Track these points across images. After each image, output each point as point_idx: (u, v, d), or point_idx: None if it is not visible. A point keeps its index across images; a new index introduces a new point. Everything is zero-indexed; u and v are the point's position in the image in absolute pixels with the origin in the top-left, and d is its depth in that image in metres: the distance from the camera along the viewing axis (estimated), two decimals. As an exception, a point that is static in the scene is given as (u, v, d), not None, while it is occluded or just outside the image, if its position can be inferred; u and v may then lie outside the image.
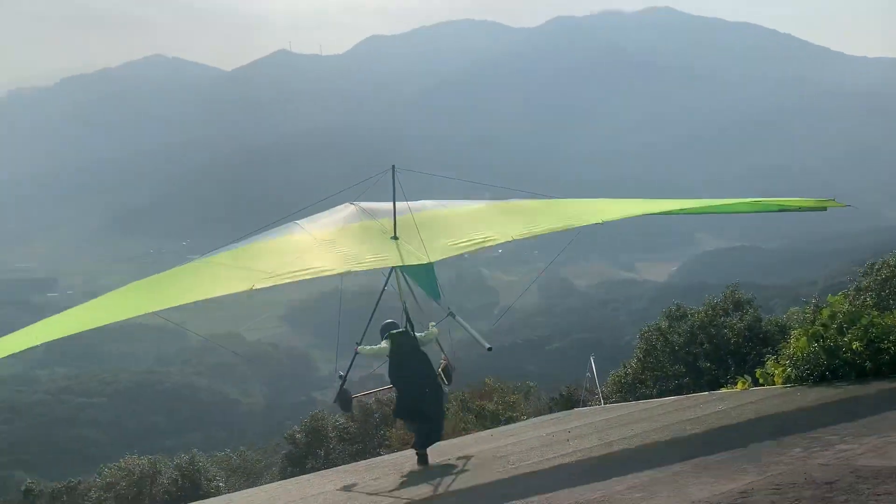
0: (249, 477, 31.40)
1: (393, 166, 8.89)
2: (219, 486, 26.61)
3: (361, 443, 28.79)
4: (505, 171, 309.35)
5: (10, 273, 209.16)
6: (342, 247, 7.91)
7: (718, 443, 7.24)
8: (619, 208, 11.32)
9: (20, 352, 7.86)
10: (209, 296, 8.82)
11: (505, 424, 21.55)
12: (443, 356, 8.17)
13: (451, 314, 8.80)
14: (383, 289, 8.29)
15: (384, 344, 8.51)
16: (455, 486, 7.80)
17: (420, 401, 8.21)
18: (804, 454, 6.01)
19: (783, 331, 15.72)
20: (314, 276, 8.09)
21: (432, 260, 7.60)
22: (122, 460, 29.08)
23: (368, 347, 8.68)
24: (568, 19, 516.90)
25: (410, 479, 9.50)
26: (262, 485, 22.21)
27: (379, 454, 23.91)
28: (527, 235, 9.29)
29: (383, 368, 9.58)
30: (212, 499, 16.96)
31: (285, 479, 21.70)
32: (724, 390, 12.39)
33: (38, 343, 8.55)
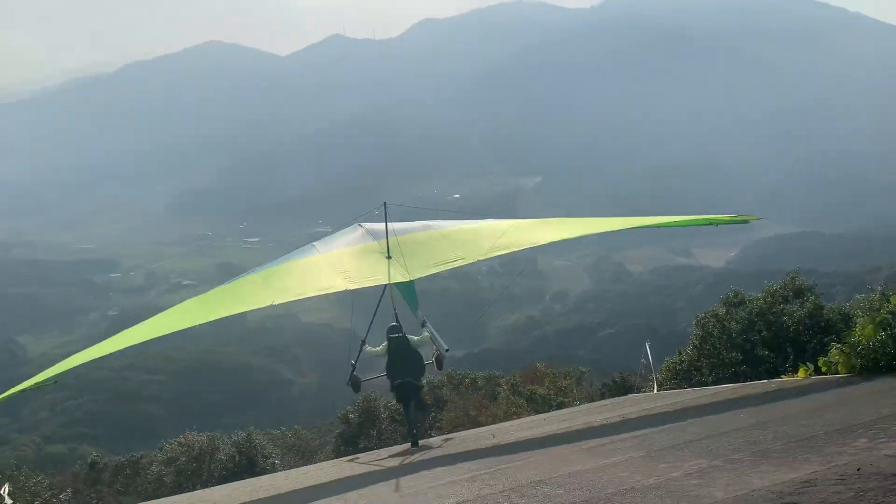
0: (304, 455, 32.04)
1: (384, 203, 10.33)
2: (274, 463, 27.21)
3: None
4: (558, 157, 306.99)
5: (75, 255, 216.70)
6: (346, 266, 9.48)
7: (779, 431, 7.07)
8: (566, 229, 12.47)
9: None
10: (243, 310, 10.72)
11: (556, 409, 21.48)
12: (435, 349, 9.97)
13: (423, 323, 10.41)
14: (380, 300, 10.02)
15: (384, 345, 10.20)
16: (507, 470, 7.81)
17: (400, 389, 9.89)
18: (869, 444, 5.82)
19: (846, 319, 15.24)
20: (319, 293, 10.02)
21: (413, 278, 9.03)
22: (182, 436, 29.99)
23: (371, 348, 10.54)
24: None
25: (458, 460, 9.54)
26: (316, 462, 22.62)
27: (430, 436, 24.12)
28: (489, 256, 10.76)
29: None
30: (268, 475, 17.33)
31: (339, 457, 22.05)
32: (784, 378, 12.09)
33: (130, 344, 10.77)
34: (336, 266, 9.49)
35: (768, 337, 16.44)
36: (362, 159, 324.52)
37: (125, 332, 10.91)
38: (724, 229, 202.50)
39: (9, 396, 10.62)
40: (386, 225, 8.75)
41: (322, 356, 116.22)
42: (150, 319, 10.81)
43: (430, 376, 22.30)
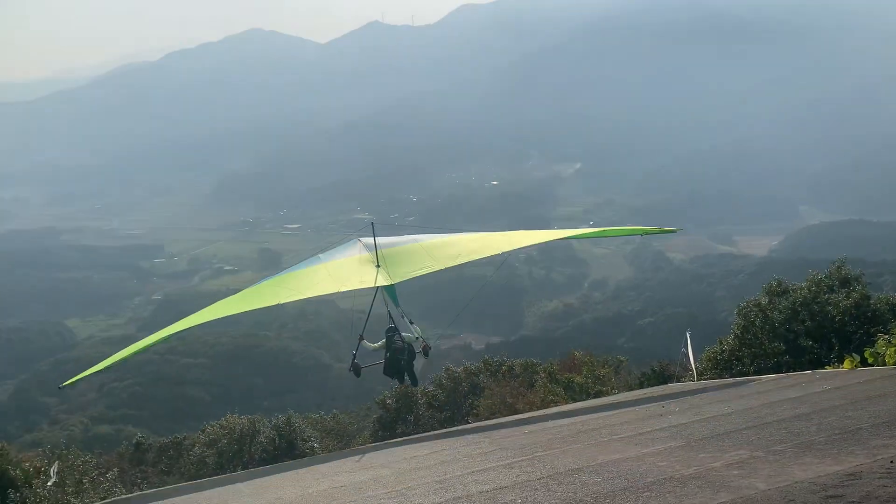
0: (342, 439, 32.42)
1: (372, 223, 12.08)
2: (313, 446, 27.60)
3: (450, 410, 29.21)
4: (598, 144, 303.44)
5: (121, 240, 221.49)
6: (342, 273, 11.25)
7: (823, 423, 6.92)
8: (519, 239, 14.21)
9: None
10: (259, 306, 12.77)
11: (593, 398, 21.38)
12: (422, 341, 11.80)
13: (409, 319, 12.17)
14: (373, 300, 11.70)
15: (382, 341, 11.94)
16: (545, 457, 7.80)
17: (396, 371, 11.80)
18: (918, 438, 5.67)
19: (895, 310, 14.87)
20: (318, 294, 12.27)
21: (393, 282, 10.85)
22: (223, 419, 30.58)
23: (370, 344, 12.11)
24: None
25: (495, 448, 9.56)
26: (354, 446, 22.89)
27: (467, 422, 24.20)
28: (451, 265, 12.48)
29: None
30: (310, 457, 17.60)
31: (377, 441, 22.27)
32: (828, 369, 11.84)
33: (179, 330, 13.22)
34: (334, 273, 11.41)
35: (812, 327, 16.12)
36: (400, 146, 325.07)
37: (183, 320, 13.10)
38: (767, 217, 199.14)
39: (83, 378, 14.18)
40: (374, 240, 10.69)
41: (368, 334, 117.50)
42: (196, 313, 12.94)
43: (467, 363, 27.91)
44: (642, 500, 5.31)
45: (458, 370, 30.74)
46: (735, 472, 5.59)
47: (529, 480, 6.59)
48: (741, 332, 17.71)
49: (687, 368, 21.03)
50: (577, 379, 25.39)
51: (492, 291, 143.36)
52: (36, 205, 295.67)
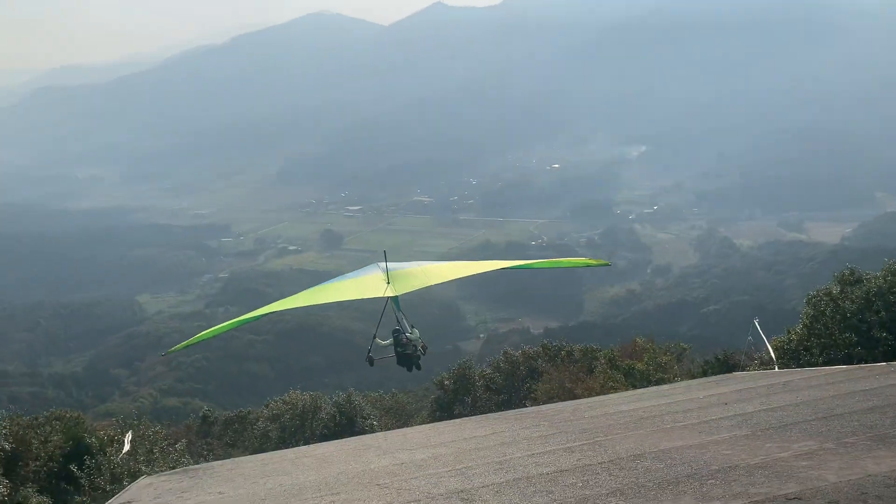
0: (401, 418, 32.85)
1: (384, 251, 13.98)
2: (372, 424, 28.06)
3: (507, 394, 29.24)
4: (665, 126, 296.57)
5: (190, 219, 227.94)
6: (361, 286, 14.03)
7: (898, 416, 6.69)
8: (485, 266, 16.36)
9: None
10: (296, 306, 16.02)
11: (655, 385, 21.10)
12: (422, 342, 13.94)
13: (406, 318, 14.30)
14: (384, 308, 13.71)
15: (390, 339, 13.96)
16: (606, 442, 7.75)
17: (405, 362, 13.86)
18: None
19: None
20: (341, 299, 16.15)
21: (397, 294, 13.00)
22: (286, 394, 31.36)
23: (381, 341, 14.09)
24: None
25: (555, 431, 9.54)
26: (413, 426, 23.16)
27: (524, 406, 24.19)
28: (440, 282, 14.53)
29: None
30: (369, 435, 17.90)
31: (434, 422, 22.47)
32: (904, 362, 11.39)
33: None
34: (358, 286, 14.19)
35: (887, 318, 15.51)
36: (462, 129, 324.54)
37: (268, 305, 16.11)
38: (841, 203, 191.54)
39: (184, 347, 17.92)
40: (386, 264, 13.02)
41: (418, 322, 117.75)
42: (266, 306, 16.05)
43: (525, 347, 28.86)
44: (707, 488, 5.23)
45: (517, 354, 30.69)
46: (804, 464, 5.45)
47: (590, 464, 6.57)
48: (810, 322, 17.18)
49: (752, 358, 20.54)
50: (639, 366, 25.06)
51: (552, 276, 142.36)
52: (109, 184, 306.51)
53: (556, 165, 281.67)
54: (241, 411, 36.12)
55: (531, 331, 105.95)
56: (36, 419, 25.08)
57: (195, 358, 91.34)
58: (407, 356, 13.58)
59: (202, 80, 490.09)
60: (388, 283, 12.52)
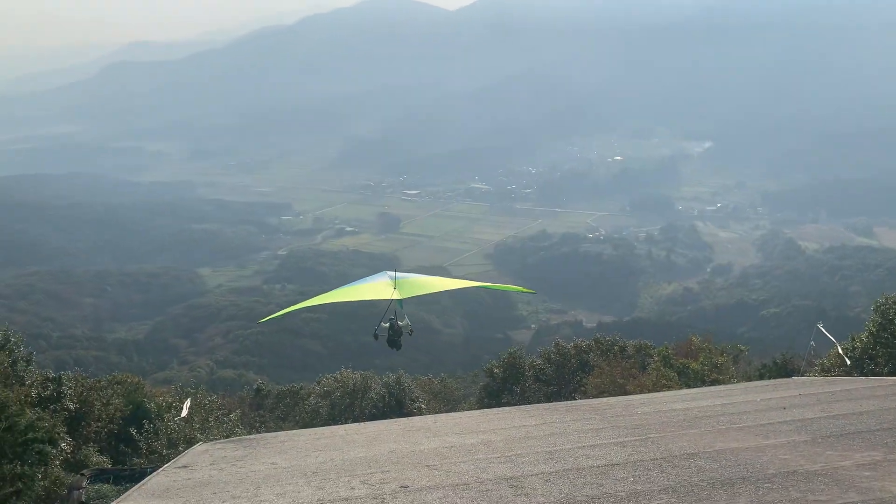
0: (449, 402, 33.04)
1: (395, 269, 16.25)
2: (420, 407, 28.30)
3: (557, 385, 29.09)
4: (729, 122, 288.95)
5: (252, 196, 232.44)
6: (374, 290, 16.04)
7: (971, 432, 6.42)
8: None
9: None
10: (320, 303, 19.83)
11: (710, 386, 20.71)
12: (410, 327, 16.18)
13: (404, 318, 16.28)
14: (389, 305, 16.03)
15: (388, 324, 16.08)
16: (658, 440, 7.65)
17: (392, 343, 16.02)
18: None
19: None
20: (360, 299, 17.75)
21: (401, 297, 15.22)
22: (338, 372, 31.89)
23: (384, 325, 16.15)
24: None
25: (606, 425, 9.46)
26: (460, 411, 23.27)
27: (573, 398, 24.03)
28: (433, 291, 17.89)
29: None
30: (418, 417, 18.05)
31: (482, 409, 22.52)
32: (978, 377, 10.92)
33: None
34: (371, 289, 16.27)
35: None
36: (524, 116, 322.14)
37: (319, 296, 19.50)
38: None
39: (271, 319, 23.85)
40: (395, 274, 15.53)
41: (470, 309, 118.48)
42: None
43: (577, 339, 29.35)
44: (762, 492, 5.12)
45: (568, 346, 30.47)
46: (866, 474, 5.29)
47: (642, 460, 6.50)
48: (877, 330, 16.59)
49: (813, 363, 19.96)
50: (693, 365, 24.62)
51: (607, 269, 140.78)
52: (175, 159, 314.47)
53: (619, 157, 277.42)
54: (293, 386, 36.88)
55: (584, 324, 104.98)
56: (99, 382, 26.07)
57: (252, 332, 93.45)
58: (394, 341, 16.28)
59: (270, 59, 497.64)
60: (395, 288, 15.44)
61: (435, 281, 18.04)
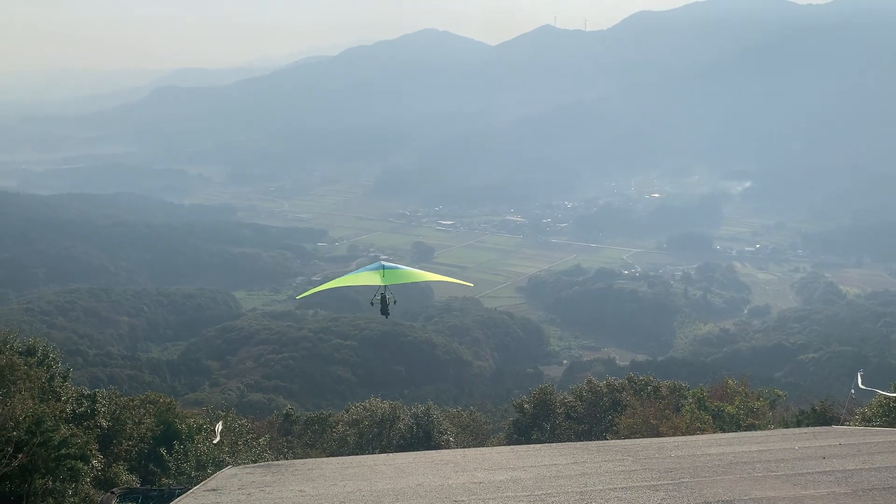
0: (478, 437, 32.76)
1: (381, 262, 19.55)
2: (449, 439, 28.08)
3: (588, 423, 28.67)
4: (771, 162, 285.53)
5: (290, 221, 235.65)
6: (368, 276, 19.20)
7: None
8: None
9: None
10: (327, 288, 23.41)
11: (745, 431, 20.22)
12: (393, 298, 19.30)
13: (390, 294, 19.62)
14: (380, 289, 19.14)
15: (379, 297, 19.19)
16: (692, 485, 7.47)
17: (382, 311, 19.30)
18: None
19: None
20: (358, 284, 20.60)
21: (387, 283, 18.57)
22: (367, 401, 31.89)
23: (376, 298, 19.19)
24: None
25: (639, 468, 9.26)
26: (489, 446, 23.02)
27: (604, 438, 23.63)
28: (412, 281, 21.08)
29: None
30: (447, 450, 17.88)
31: (512, 444, 22.25)
32: None
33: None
34: (365, 277, 19.48)
35: None
36: (562, 150, 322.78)
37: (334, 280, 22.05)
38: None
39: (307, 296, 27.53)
40: (383, 265, 18.87)
41: (500, 342, 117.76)
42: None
43: (610, 377, 28.14)
44: (801, 546, 4.96)
45: (601, 384, 30.10)
46: (912, 532, 5.09)
47: (675, 506, 6.35)
48: (923, 381, 16.09)
49: (853, 412, 19.40)
50: (729, 409, 24.10)
51: (642, 307, 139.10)
52: (217, 183, 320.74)
53: (656, 195, 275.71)
54: (322, 413, 36.96)
55: (617, 362, 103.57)
56: (132, 400, 26.43)
57: (283, 356, 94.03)
58: (384, 309, 19.72)
59: (313, 89, 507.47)
60: (384, 276, 18.85)
61: (411, 273, 21.19)
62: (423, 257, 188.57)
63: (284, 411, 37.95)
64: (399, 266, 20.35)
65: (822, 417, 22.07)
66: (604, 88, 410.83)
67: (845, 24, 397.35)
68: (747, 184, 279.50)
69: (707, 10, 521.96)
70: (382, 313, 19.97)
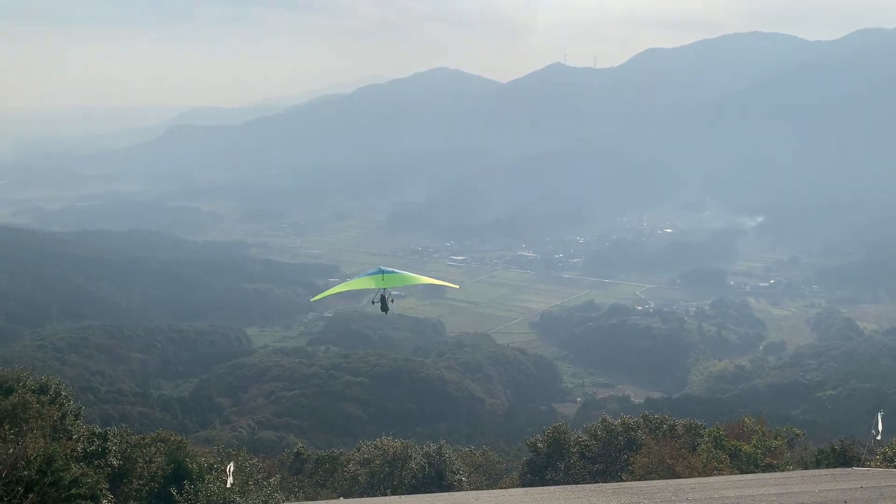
0: (490, 477, 32.31)
1: (381, 268, 22.86)
2: (461, 480, 27.70)
3: (603, 463, 28.22)
4: (783, 197, 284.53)
5: (302, 257, 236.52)
6: (371, 281, 22.21)
7: None
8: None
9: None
10: (334, 292, 28.17)
11: (763, 471, 19.85)
12: (392, 298, 22.90)
13: (390, 295, 23.21)
14: (379, 292, 22.59)
15: (380, 297, 22.55)
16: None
17: (384, 308, 22.67)
18: None
19: None
20: (354, 287, 26.36)
21: (385, 286, 22.14)
22: (378, 439, 31.59)
23: (377, 297, 22.40)
24: (876, 32, 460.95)
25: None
26: (502, 487, 22.68)
27: (620, 478, 23.25)
28: (407, 284, 24.91)
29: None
30: (460, 492, 17.62)
31: (525, 486, 21.94)
32: None
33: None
34: (367, 281, 22.17)
35: None
36: (574, 185, 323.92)
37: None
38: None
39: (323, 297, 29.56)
40: (381, 269, 22.16)
41: (513, 378, 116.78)
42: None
43: (624, 416, 27.89)
44: None
45: (615, 422, 29.71)
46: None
47: (694, 554, 6.18)
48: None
49: (875, 452, 19.04)
50: (746, 448, 23.68)
51: (656, 343, 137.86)
52: (230, 219, 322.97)
53: (669, 230, 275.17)
54: (333, 451, 36.63)
55: (631, 399, 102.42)
56: (143, 439, 26.30)
57: (294, 393, 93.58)
58: (384, 306, 22.73)
59: (326, 127, 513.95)
60: (383, 280, 21.82)
61: (405, 276, 23.94)
62: (434, 293, 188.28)
63: (295, 450, 37.68)
64: (395, 270, 23.70)
65: (842, 457, 21.65)
66: (614, 124, 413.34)
67: (856, 58, 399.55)
68: (760, 219, 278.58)
69: (716, 47, 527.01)
70: (382, 310, 23.52)
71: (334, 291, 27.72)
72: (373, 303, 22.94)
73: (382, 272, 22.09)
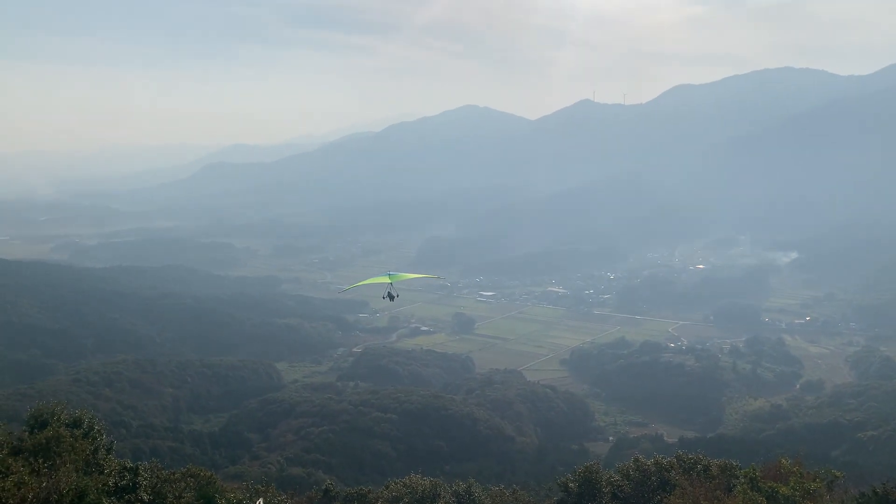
0: (520, 517, 31.83)
1: (389, 272, 31.95)
2: (491, 519, 27.32)
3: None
4: (817, 233, 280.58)
5: (333, 293, 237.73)
6: (382, 278, 31.28)
7: None
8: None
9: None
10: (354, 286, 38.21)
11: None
12: (396, 293, 30.52)
13: (395, 290, 32.23)
14: (387, 287, 30.33)
15: (388, 290, 30.22)
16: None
17: (391, 299, 31.78)
18: None
19: None
20: (367, 283, 35.36)
21: (392, 281, 31.88)
22: (407, 477, 31.40)
23: (385, 295, 29.26)
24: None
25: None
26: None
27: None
28: (412, 277, 37.82)
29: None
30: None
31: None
32: None
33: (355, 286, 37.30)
34: (380, 278, 29.16)
35: None
36: (604, 221, 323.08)
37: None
38: None
39: (352, 287, 40.58)
40: (390, 273, 29.05)
41: (544, 416, 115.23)
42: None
43: (658, 456, 27.40)
44: None
45: (648, 462, 29.16)
46: None
47: None
48: None
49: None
50: (783, 490, 23.09)
51: (690, 381, 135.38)
52: (263, 255, 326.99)
53: (701, 266, 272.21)
54: (361, 489, 36.38)
55: (665, 438, 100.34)
56: (173, 474, 26.44)
57: (323, 429, 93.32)
58: (391, 297, 28.31)
59: (357, 163, 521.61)
60: (392, 280, 28.03)
61: (406, 276, 30.00)
62: (463, 328, 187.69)
63: (324, 487, 37.49)
64: (399, 272, 32.95)
65: (885, 501, 20.99)
66: (644, 160, 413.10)
67: (890, 92, 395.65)
68: (794, 254, 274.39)
69: (747, 83, 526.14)
70: (390, 300, 32.28)
71: (359, 285, 36.17)
72: (383, 297, 32.15)
73: (390, 274, 31.84)
